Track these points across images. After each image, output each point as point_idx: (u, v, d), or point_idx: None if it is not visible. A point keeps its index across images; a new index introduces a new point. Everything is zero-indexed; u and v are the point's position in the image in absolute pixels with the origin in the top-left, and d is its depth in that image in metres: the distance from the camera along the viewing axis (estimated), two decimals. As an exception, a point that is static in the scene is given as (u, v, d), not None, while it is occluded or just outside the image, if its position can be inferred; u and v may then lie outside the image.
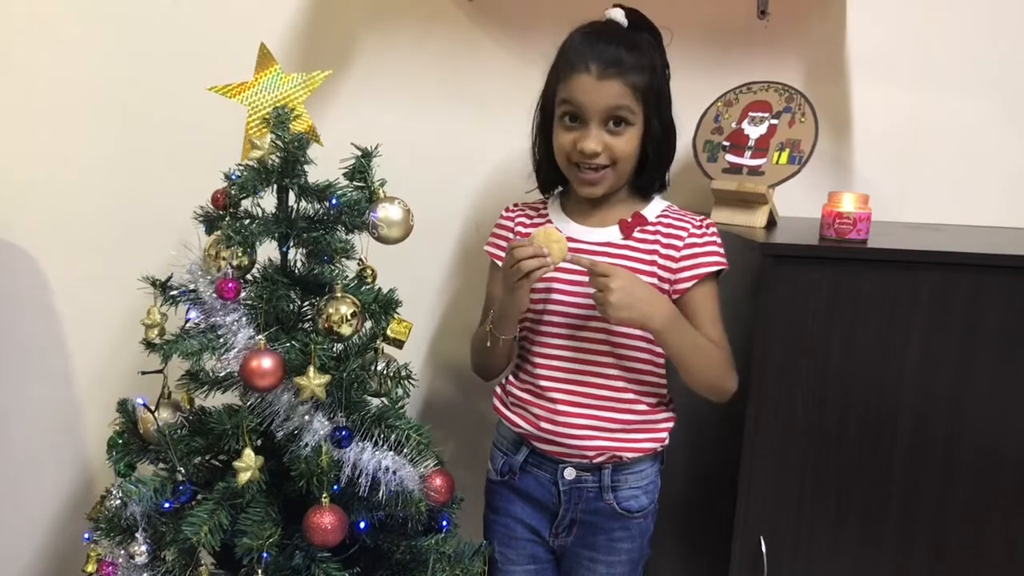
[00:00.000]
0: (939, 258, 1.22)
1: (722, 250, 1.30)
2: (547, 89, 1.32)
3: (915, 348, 1.23)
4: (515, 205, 1.42)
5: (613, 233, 1.31)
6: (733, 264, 1.31)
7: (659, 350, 1.28)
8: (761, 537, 1.26)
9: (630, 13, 1.29)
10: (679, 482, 1.54)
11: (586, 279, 1.24)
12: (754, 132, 1.50)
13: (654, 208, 1.34)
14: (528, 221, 1.38)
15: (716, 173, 1.51)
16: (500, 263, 1.36)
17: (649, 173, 1.31)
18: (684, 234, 1.30)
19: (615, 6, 1.29)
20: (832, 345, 1.23)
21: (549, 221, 1.35)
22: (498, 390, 1.40)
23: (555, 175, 1.36)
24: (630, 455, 1.30)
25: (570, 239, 1.30)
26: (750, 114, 1.52)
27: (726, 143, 1.52)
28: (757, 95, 1.54)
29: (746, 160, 1.49)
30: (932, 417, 1.24)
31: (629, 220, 1.31)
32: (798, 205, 1.59)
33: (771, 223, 1.46)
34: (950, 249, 1.26)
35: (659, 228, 1.31)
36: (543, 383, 1.31)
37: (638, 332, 1.27)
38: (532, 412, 1.32)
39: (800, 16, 1.68)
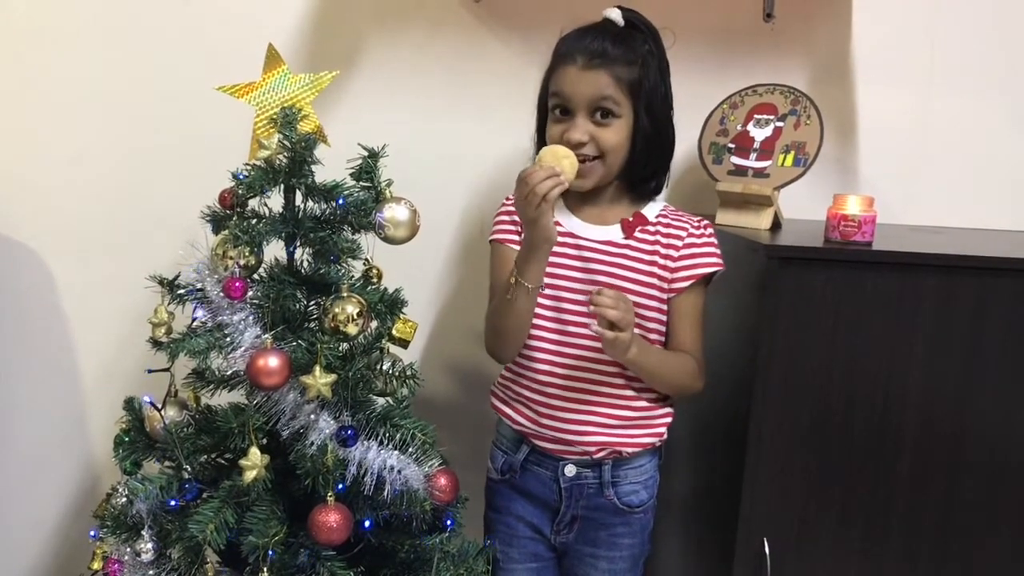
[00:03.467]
0: (944, 261, 1.22)
1: (719, 251, 1.31)
2: (542, 86, 1.34)
3: (919, 350, 1.23)
4: None
5: (615, 232, 1.32)
6: (738, 266, 1.31)
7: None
8: (764, 538, 1.26)
9: (627, 13, 1.30)
10: (683, 482, 1.54)
11: (587, 276, 1.27)
12: (759, 134, 1.51)
13: (653, 208, 1.35)
14: None
15: (721, 175, 1.52)
16: (514, 246, 1.33)
17: (639, 169, 1.31)
18: (683, 234, 1.31)
19: (615, 7, 1.31)
20: (837, 347, 1.23)
21: None
22: (495, 388, 1.40)
23: None
24: (629, 450, 1.31)
25: (572, 235, 1.31)
26: (755, 116, 1.53)
27: (731, 145, 1.53)
28: (763, 97, 1.54)
29: (751, 162, 1.50)
30: (936, 419, 1.24)
31: (631, 219, 1.32)
32: (803, 207, 1.59)
33: (776, 225, 1.47)
34: (955, 252, 1.26)
35: (659, 228, 1.32)
36: (543, 378, 1.31)
37: (636, 330, 1.27)
38: (533, 409, 1.32)
39: (806, 19, 1.68)
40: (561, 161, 1.18)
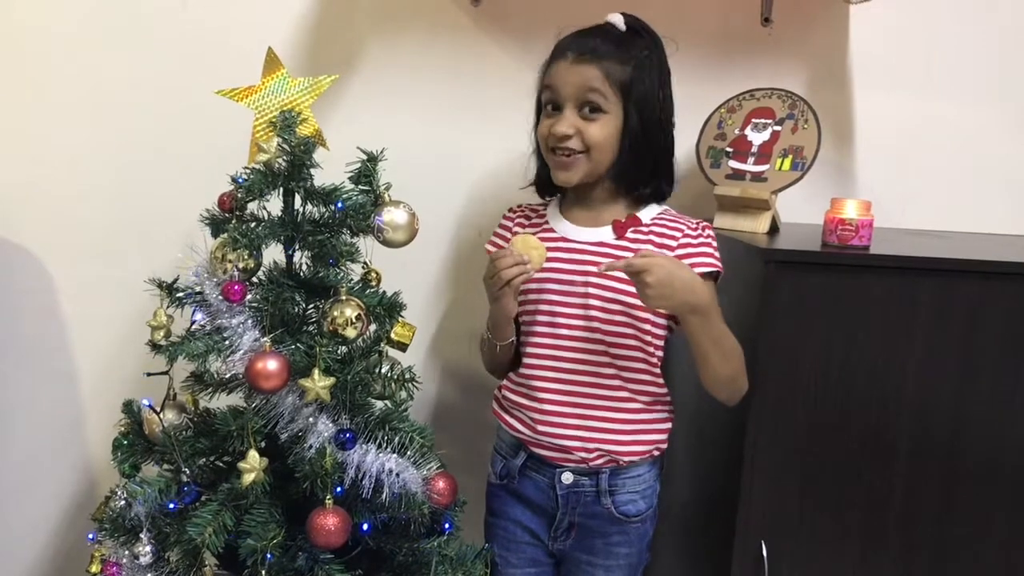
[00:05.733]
0: (941, 265, 1.22)
1: (717, 253, 1.30)
2: (538, 89, 1.35)
3: (917, 355, 1.23)
4: (516, 207, 1.43)
5: (606, 233, 1.32)
6: (735, 270, 1.31)
7: (653, 352, 1.30)
8: (762, 542, 1.26)
9: (630, 19, 1.30)
10: (680, 486, 1.54)
11: (579, 278, 1.27)
12: (757, 138, 1.51)
13: (650, 211, 1.34)
14: (527, 222, 1.40)
15: (719, 179, 1.52)
16: None
17: (631, 172, 1.30)
18: (679, 234, 1.30)
19: (619, 12, 1.31)
20: (834, 351, 1.23)
21: (546, 222, 1.37)
22: (497, 393, 1.41)
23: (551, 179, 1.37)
24: (627, 458, 1.30)
25: (564, 239, 1.32)
26: (753, 120, 1.53)
27: (729, 149, 1.53)
28: (760, 102, 1.54)
29: (749, 166, 1.50)
30: (934, 424, 1.25)
31: (623, 221, 1.32)
32: (801, 211, 1.60)
33: (773, 229, 1.47)
34: (952, 256, 1.26)
35: (653, 229, 1.31)
36: (536, 383, 1.31)
37: (631, 331, 1.28)
38: (528, 415, 1.32)
39: (803, 23, 1.69)
40: (530, 251, 1.23)
